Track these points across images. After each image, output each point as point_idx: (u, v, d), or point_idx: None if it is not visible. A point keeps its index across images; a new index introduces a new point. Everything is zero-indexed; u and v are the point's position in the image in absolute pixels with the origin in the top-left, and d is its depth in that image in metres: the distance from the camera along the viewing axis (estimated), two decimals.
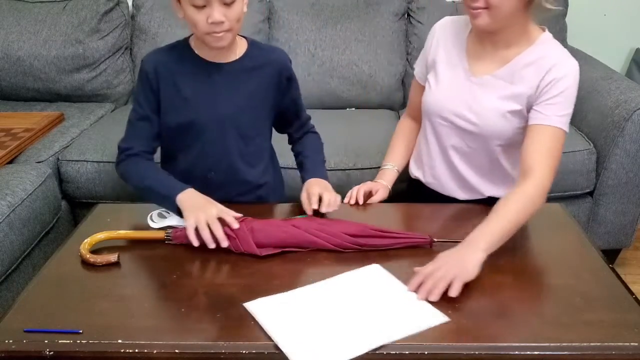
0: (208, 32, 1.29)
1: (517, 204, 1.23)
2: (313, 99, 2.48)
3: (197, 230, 1.22)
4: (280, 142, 1.60)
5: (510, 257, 1.22)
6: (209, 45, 1.33)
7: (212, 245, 1.22)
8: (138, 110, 1.42)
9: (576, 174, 2.03)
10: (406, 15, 2.56)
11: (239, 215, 1.27)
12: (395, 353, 0.98)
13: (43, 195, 1.83)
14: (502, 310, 1.08)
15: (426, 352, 0.99)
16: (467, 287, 1.10)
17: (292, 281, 1.16)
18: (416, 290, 1.09)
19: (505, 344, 0.99)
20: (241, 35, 1.43)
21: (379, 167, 1.68)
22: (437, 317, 1.04)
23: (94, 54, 2.47)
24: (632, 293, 1.12)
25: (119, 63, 2.54)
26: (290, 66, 1.49)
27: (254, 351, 0.98)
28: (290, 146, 1.61)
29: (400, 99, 2.56)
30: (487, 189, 1.52)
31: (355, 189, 1.53)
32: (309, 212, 1.35)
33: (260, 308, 1.06)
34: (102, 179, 2.02)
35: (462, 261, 1.12)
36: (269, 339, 0.99)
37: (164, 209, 1.37)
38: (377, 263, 1.19)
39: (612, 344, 0.99)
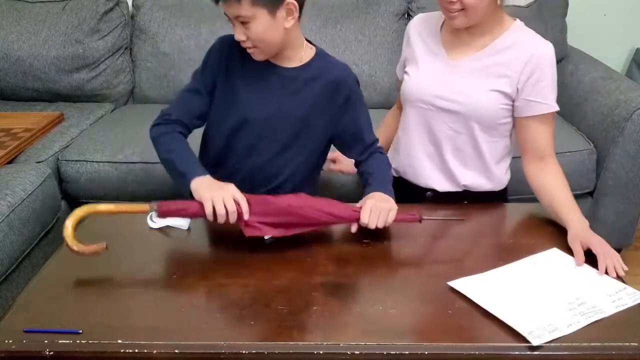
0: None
1: (561, 180, 1.41)
2: None
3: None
4: None
5: (510, 256, 1.22)
6: None
7: (223, 219, 1.21)
8: (193, 82, 1.43)
9: (576, 174, 2.03)
10: (406, 15, 2.56)
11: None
12: (395, 353, 0.98)
13: (43, 195, 1.83)
14: None
15: (426, 352, 0.99)
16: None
17: (291, 281, 1.16)
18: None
19: (505, 344, 0.99)
20: (312, 44, 1.42)
21: None
22: (638, 296, 1.10)
23: (93, 54, 2.47)
24: None
25: (119, 63, 2.54)
26: (353, 84, 1.43)
27: (254, 351, 0.98)
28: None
29: None
30: (465, 177, 1.53)
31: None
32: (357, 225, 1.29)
33: (466, 286, 1.12)
34: (102, 179, 2.02)
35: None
36: (270, 338, 0.99)
37: None
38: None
39: (612, 344, 0.99)
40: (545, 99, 1.42)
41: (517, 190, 1.61)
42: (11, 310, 1.08)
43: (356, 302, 1.10)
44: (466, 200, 1.54)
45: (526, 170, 1.47)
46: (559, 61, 1.86)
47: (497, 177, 1.55)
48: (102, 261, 1.22)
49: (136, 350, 0.98)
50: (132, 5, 2.58)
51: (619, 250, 2.16)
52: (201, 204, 1.23)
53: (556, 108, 1.44)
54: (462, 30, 1.45)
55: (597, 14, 2.73)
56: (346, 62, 2.53)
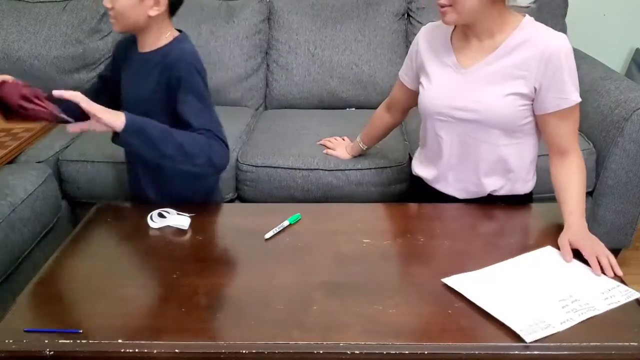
0: None
1: (575, 176, 1.39)
2: (313, 99, 2.48)
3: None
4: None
5: (509, 256, 1.22)
6: None
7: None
8: (102, 68, 1.52)
9: None
10: (406, 15, 2.56)
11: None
12: (395, 353, 0.98)
13: (43, 195, 1.83)
14: None
15: (426, 352, 0.99)
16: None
17: (291, 281, 1.16)
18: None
19: (505, 344, 1.00)
20: (179, 31, 1.48)
21: (378, 167, 1.79)
22: (631, 294, 1.10)
23: (94, 54, 2.47)
24: None
25: None
26: (183, 67, 1.40)
27: (254, 351, 0.99)
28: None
29: None
30: (490, 185, 1.51)
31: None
32: None
33: (459, 283, 1.13)
34: (102, 179, 2.02)
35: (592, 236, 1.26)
36: (270, 338, 0.99)
37: (164, 209, 1.37)
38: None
39: (612, 344, 0.99)
40: (563, 93, 1.36)
41: (541, 189, 1.59)
42: (11, 310, 1.08)
43: (356, 302, 1.10)
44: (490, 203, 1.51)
45: (549, 164, 1.46)
46: None
47: (522, 181, 1.52)
48: (102, 261, 1.23)
49: (136, 350, 0.98)
50: None
51: (618, 250, 2.18)
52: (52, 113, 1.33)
53: (577, 100, 1.37)
54: (469, 33, 1.42)
55: (597, 14, 2.73)
56: (346, 62, 2.56)
